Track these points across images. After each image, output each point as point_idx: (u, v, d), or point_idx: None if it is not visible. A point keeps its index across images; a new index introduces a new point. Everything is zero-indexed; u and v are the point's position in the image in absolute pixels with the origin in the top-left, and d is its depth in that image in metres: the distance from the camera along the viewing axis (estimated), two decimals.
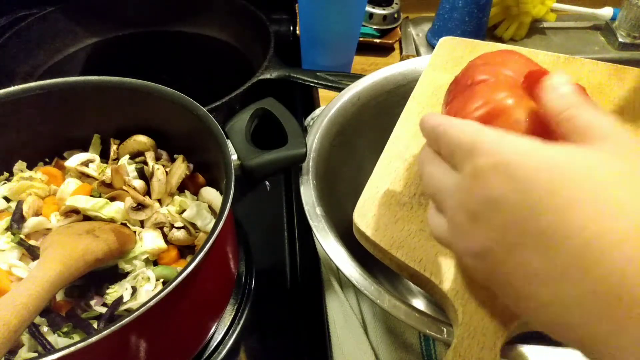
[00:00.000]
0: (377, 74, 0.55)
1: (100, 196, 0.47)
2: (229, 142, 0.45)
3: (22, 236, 0.43)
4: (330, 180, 0.49)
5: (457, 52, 0.51)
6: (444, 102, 0.38)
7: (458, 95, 0.35)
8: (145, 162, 0.50)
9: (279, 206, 0.62)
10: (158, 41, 0.86)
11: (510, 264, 0.24)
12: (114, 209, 0.46)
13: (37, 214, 0.46)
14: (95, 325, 0.40)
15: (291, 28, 0.92)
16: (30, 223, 0.44)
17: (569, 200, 0.21)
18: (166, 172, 0.49)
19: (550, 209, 0.22)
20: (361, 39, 0.79)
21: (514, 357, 0.32)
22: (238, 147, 0.46)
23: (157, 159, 0.52)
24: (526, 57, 0.36)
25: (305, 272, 0.55)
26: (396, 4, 0.84)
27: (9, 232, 0.44)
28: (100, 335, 0.29)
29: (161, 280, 0.43)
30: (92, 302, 0.41)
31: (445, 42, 0.52)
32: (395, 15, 0.84)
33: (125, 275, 0.44)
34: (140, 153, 0.51)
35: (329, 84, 0.65)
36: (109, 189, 0.47)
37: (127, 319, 0.30)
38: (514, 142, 0.24)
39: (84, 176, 0.49)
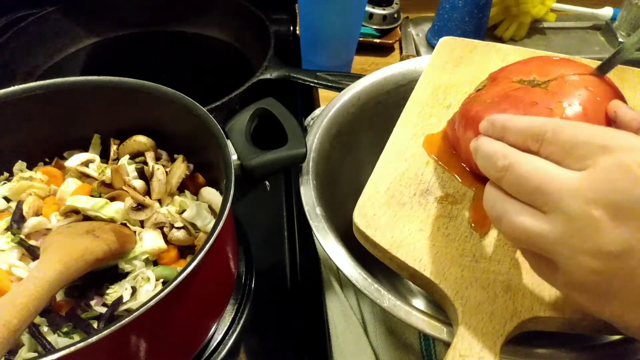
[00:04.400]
0: (377, 74, 0.55)
1: (100, 196, 0.47)
2: (229, 142, 0.45)
3: (22, 236, 0.43)
4: (330, 180, 0.49)
5: (457, 52, 0.51)
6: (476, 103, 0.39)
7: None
8: (145, 162, 0.50)
9: (279, 206, 0.62)
10: (158, 41, 0.86)
11: None
12: (114, 209, 0.46)
13: (37, 214, 0.46)
14: (95, 325, 0.40)
15: (291, 28, 0.92)
16: (30, 223, 0.44)
17: None
18: (166, 172, 0.49)
19: None
20: (361, 39, 0.79)
21: (513, 357, 0.32)
22: (238, 147, 0.46)
23: (157, 159, 0.52)
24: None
25: (305, 272, 0.55)
26: (396, 4, 0.84)
27: (9, 232, 0.44)
28: (100, 335, 0.29)
29: (161, 280, 0.43)
30: (92, 302, 0.41)
31: (445, 42, 0.52)
32: (395, 15, 0.84)
33: (125, 275, 0.44)
34: (140, 153, 0.51)
35: (329, 84, 0.65)
36: (109, 189, 0.47)
37: (127, 319, 0.30)
38: None
39: (84, 176, 0.49)
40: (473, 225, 0.37)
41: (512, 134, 0.29)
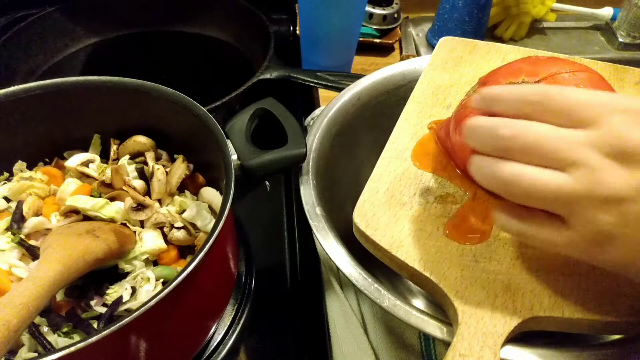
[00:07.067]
0: (377, 74, 0.55)
1: (100, 196, 0.47)
2: (229, 142, 0.45)
3: (22, 236, 0.43)
4: (330, 180, 0.49)
5: (457, 52, 0.51)
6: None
7: None
8: (145, 162, 0.50)
9: (279, 206, 0.62)
10: (158, 41, 0.86)
11: None
12: (114, 209, 0.46)
13: (37, 214, 0.46)
14: (95, 325, 0.40)
15: (291, 28, 0.92)
16: (30, 223, 0.44)
17: None
18: (166, 172, 0.49)
19: None
20: (361, 39, 0.79)
21: (513, 357, 0.32)
22: (238, 147, 0.46)
23: (157, 159, 0.52)
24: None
25: (305, 272, 0.55)
26: (396, 4, 0.84)
27: (9, 232, 0.44)
28: (100, 335, 0.29)
29: (161, 280, 0.43)
30: (92, 302, 0.41)
31: (445, 42, 0.52)
32: (395, 15, 0.84)
33: (125, 275, 0.44)
34: (140, 153, 0.51)
35: (329, 84, 0.65)
36: (109, 189, 0.47)
37: (127, 319, 0.30)
38: None
39: (84, 176, 0.49)
40: (448, 232, 0.37)
41: (506, 104, 0.30)
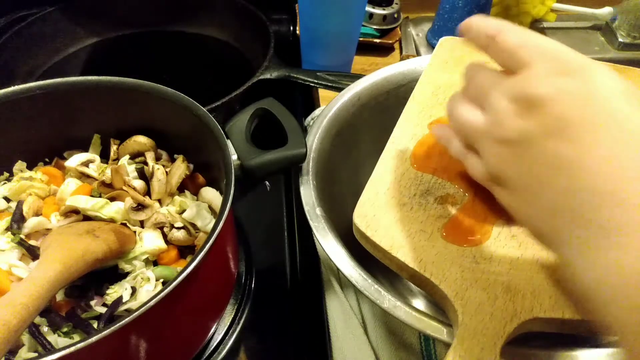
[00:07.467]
0: (377, 74, 0.55)
1: (100, 196, 0.47)
2: (229, 142, 0.45)
3: (22, 236, 0.43)
4: (330, 180, 0.49)
5: (457, 52, 0.51)
6: None
7: None
8: (145, 162, 0.50)
9: (279, 206, 0.62)
10: (158, 41, 0.85)
11: (544, 151, 0.26)
12: (114, 209, 0.46)
13: (37, 214, 0.46)
14: (95, 325, 0.40)
15: (291, 28, 0.92)
16: (30, 223, 0.44)
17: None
18: (166, 172, 0.49)
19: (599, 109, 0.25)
20: (361, 39, 0.79)
21: (513, 358, 0.32)
22: (238, 147, 0.46)
23: (157, 159, 0.52)
24: None
25: (305, 272, 0.55)
26: (396, 4, 0.84)
27: (9, 232, 0.44)
28: (100, 335, 0.29)
29: (161, 280, 0.43)
30: (92, 302, 0.41)
31: (445, 42, 0.52)
32: (395, 15, 0.84)
33: (125, 275, 0.44)
34: (140, 153, 0.51)
35: (329, 84, 0.65)
36: (109, 189, 0.47)
37: (127, 319, 0.30)
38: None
39: (84, 176, 0.49)
40: (445, 235, 0.37)
41: (474, 34, 0.32)
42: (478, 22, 0.32)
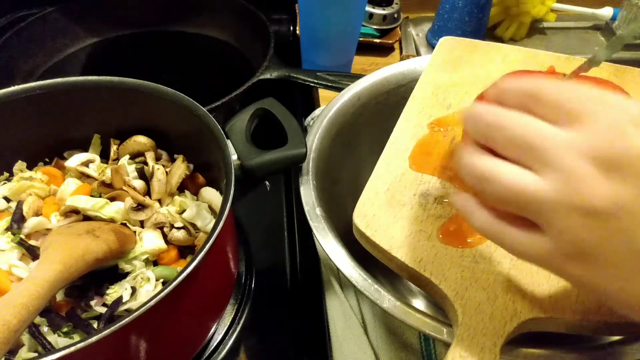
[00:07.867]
0: (377, 74, 0.55)
1: (100, 196, 0.47)
2: (229, 142, 0.45)
3: (22, 236, 0.43)
4: (330, 180, 0.49)
5: (457, 52, 0.51)
6: None
7: None
8: (145, 162, 0.50)
9: (279, 206, 0.62)
10: (158, 41, 0.85)
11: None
12: (114, 209, 0.46)
13: (37, 214, 0.46)
14: (95, 325, 0.40)
15: (291, 28, 0.92)
16: (30, 223, 0.44)
17: None
18: (166, 172, 0.49)
19: None
20: (361, 39, 0.79)
21: (513, 357, 0.32)
22: (238, 147, 0.46)
23: (157, 159, 0.52)
24: None
25: (305, 272, 0.55)
26: (396, 4, 0.84)
27: (9, 232, 0.44)
28: (100, 335, 0.29)
29: (161, 280, 0.43)
30: (92, 302, 0.41)
31: (445, 42, 0.52)
32: (395, 15, 0.84)
33: (125, 275, 0.44)
34: (140, 153, 0.51)
35: (329, 84, 0.65)
36: (109, 189, 0.47)
37: (127, 319, 0.30)
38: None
39: (84, 176, 0.49)
40: (441, 237, 0.37)
41: (510, 94, 0.28)
42: (515, 82, 0.27)
